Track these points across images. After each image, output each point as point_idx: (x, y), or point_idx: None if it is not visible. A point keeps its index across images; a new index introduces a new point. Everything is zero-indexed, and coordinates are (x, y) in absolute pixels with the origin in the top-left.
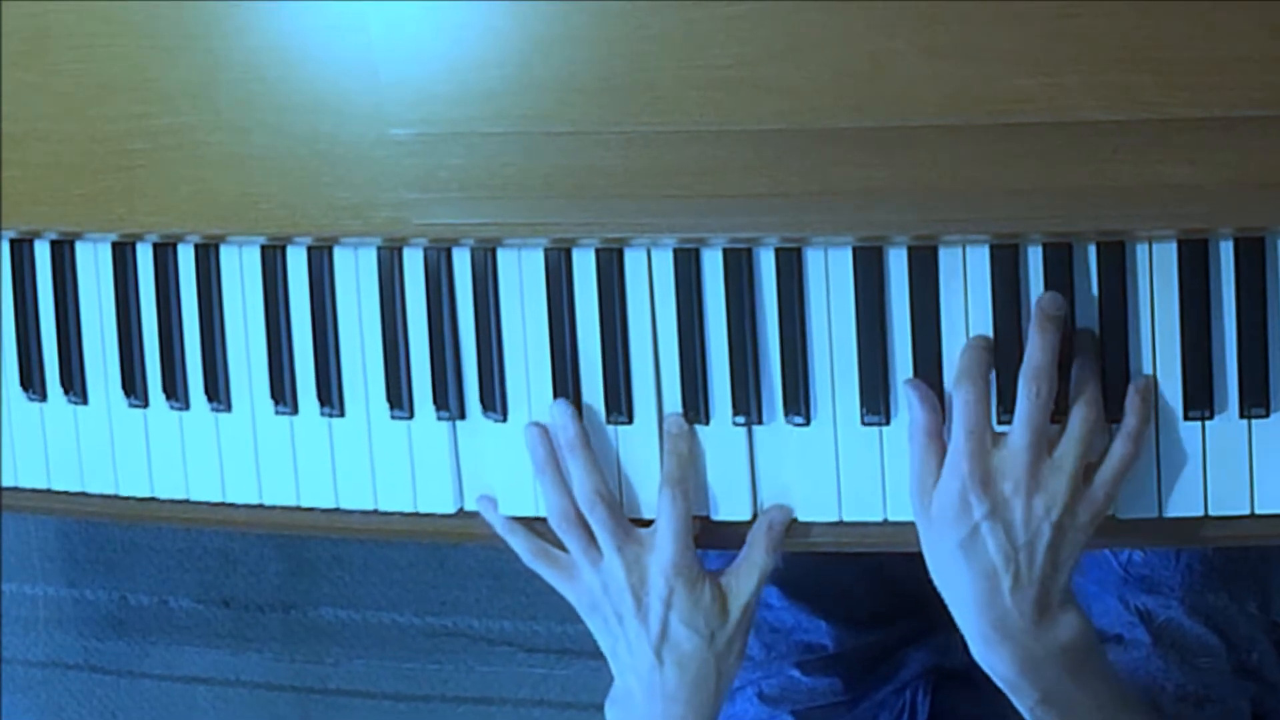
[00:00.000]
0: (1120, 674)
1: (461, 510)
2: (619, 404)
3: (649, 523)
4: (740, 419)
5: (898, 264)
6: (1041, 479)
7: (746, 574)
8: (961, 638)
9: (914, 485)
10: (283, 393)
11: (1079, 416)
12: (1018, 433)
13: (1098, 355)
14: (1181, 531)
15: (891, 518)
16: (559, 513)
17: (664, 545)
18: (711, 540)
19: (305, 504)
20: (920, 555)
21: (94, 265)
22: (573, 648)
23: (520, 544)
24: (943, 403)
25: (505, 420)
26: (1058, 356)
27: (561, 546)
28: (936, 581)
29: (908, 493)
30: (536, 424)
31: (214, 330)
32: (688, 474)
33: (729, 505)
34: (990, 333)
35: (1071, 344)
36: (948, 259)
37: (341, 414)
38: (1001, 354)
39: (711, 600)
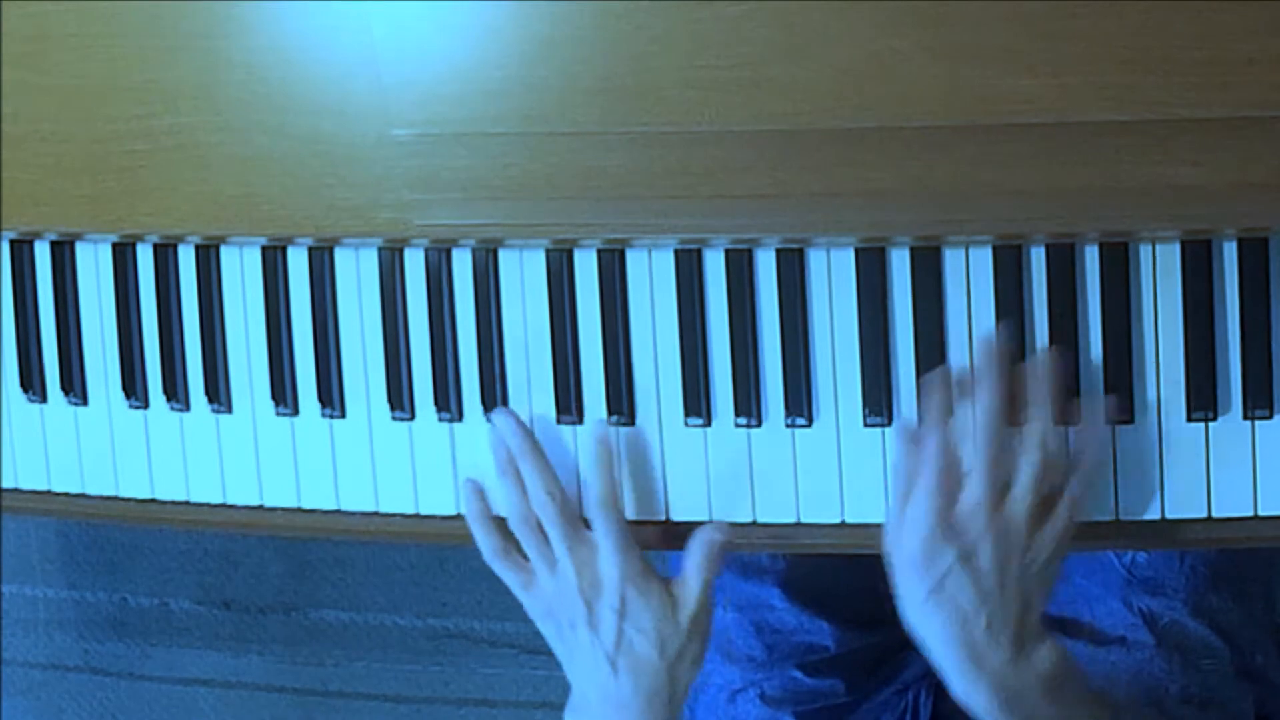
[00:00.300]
0: (1123, 676)
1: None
2: (621, 405)
3: (659, 524)
4: (742, 420)
5: (900, 265)
6: (1002, 524)
7: (691, 584)
8: None
9: (889, 524)
10: (283, 394)
11: (1028, 459)
12: (975, 483)
13: (1051, 387)
14: (1185, 533)
15: None
16: (518, 516)
17: (610, 551)
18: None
19: (306, 505)
20: None
21: (94, 266)
22: None
23: (484, 539)
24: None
25: None
26: (1007, 398)
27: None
28: (911, 625)
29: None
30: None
31: (215, 331)
32: (613, 481)
33: (730, 507)
34: (993, 331)
35: (1024, 378)
36: (951, 260)
37: (342, 415)
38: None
39: (662, 607)
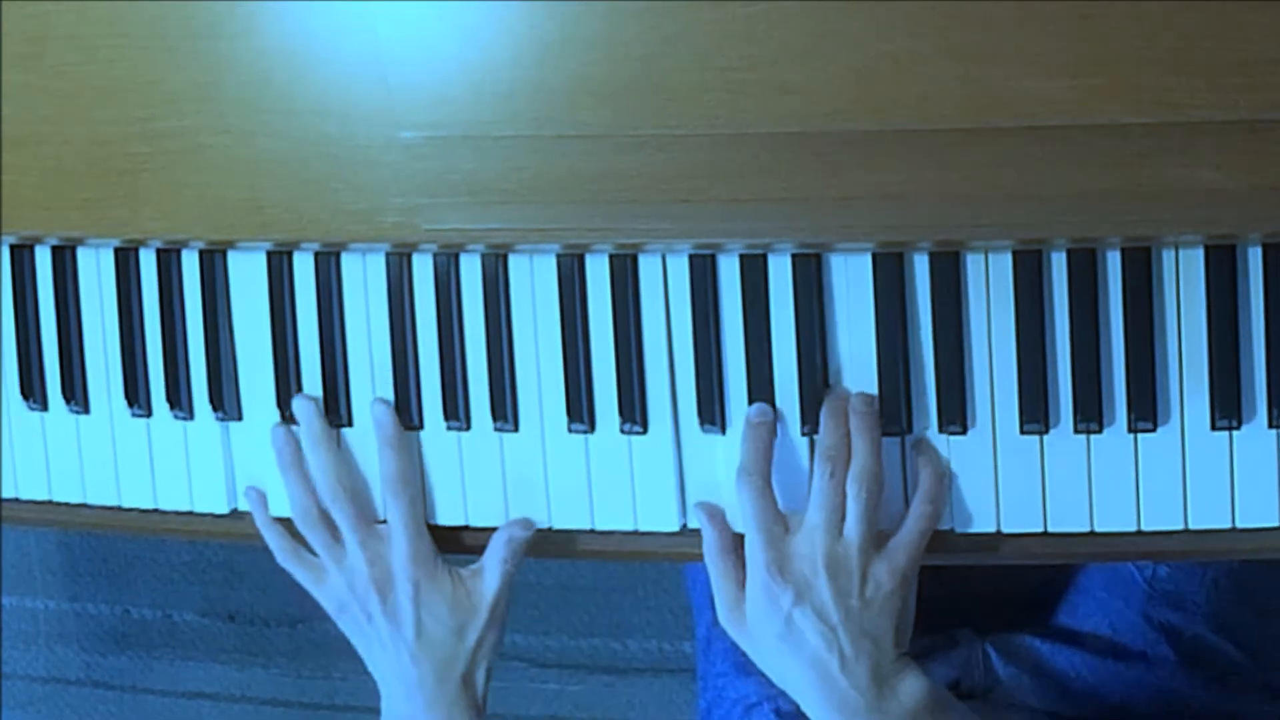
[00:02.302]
0: (1144, 693)
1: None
2: (633, 413)
3: (678, 534)
4: None
5: (919, 270)
6: (837, 557)
7: (490, 575)
8: (984, 655)
9: (721, 605)
10: (290, 403)
11: (854, 491)
12: (811, 514)
13: (873, 425)
14: (1207, 544)
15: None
16: (301, 510)
17: (399, 540)
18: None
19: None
20: (938, 570)
21: (96, 272)
22: (586, 663)
23: (275, 542)
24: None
25: (516, 431)
26: (847, 435)
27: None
28: (775, 680)
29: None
30: (281, 424)
31: (219, 338)
32: (408, 469)
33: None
34: (1013, 339)
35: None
36: (970, 265)
37: (349, 424)
38: (1025, 364)
39: (455, 593)
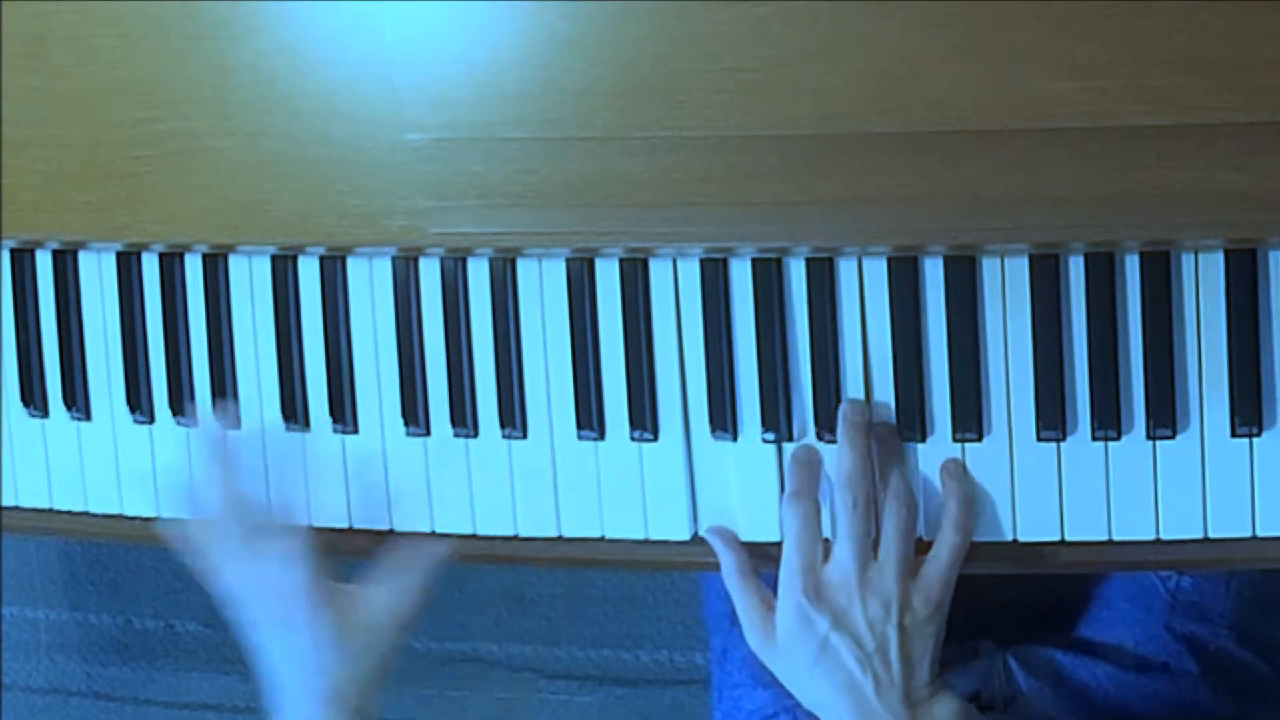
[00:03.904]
0: (1166, 706)
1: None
2: (644, 420)
3: (690, 543)
4: (769, 435)
5: (934, 274)
6: (872, 584)
7: (383, 588)
8: (1005, 666)
9: (748, 626)
10: (294, 409)
11: (891, 519)
12: (841, 545)
13: (896, 448)
14: (1228, 554)
15: (927, 536)
16: (214, 514)
17: (294, 562)
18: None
19: (317, 524)
20: (963, 580)
21: (98, 276)
22: (595, 674)
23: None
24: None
25: (525, 437)
26: (870, 459)
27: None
28: (804, 703)
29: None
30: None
31: (222, 344)
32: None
33: (756, 525)
34: (1030, 345)
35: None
36: (987, 269)
37: (355, 431)
38: (1042, 370)
39: (348, 609)
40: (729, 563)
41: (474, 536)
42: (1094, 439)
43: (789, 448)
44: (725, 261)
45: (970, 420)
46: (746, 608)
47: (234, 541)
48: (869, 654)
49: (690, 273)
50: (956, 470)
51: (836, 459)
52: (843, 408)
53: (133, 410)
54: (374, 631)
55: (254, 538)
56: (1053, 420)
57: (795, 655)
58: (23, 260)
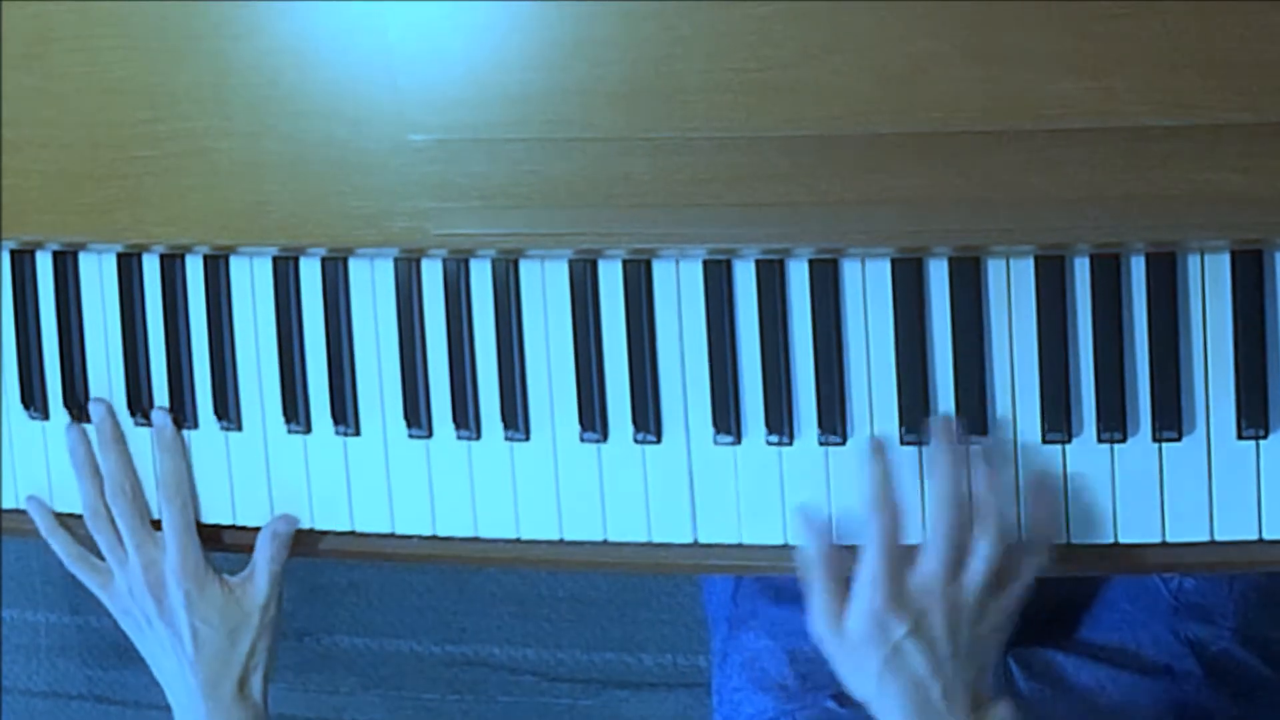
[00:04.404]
0: (1169, 708)
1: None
2: (647, 422)
3: (692, 545)
4: (773, 438)
5: (938, 276)
6: (957, 596)
7: (259, 579)
8: (1005, 669)
9: (819, 617)
10: (295, 411)
11: (983, 545)
12: (930, 558)
13: (995, 479)
14: (1234, 556)
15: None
16: (91, 510)
17: (170, 548)
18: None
19: (319, 527)
20: None
21: (98, 277)
22: (599, 677)
23: (60, 547)
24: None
25: (528, 440)
26: (962, 479)
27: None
28: (856, 694)
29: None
30: (74, 424)
31: (224, 346)
32: (183, 477)
33: (758, 528)
34: (1035, 346)
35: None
36: (992, 271)
37: (357, 433)
38: (1047, 372)
39: (225, 601)
40: (813, 550)
41: (476, 539)
42: (1099, 441)
43: (790, 451)
44: (729, 263)
45: (976, 422)
46: (822, 599)
47: (125, 537)
48: (941, 660)
49: (693, 274)
50: (1048, 494)
51: (937, 477)
52: (937, 423)
53: (133, 413)
54: (246, 619)
55: (140, 531)
56: (1058, 422)
57: (865, 655)
58: (23, 262)
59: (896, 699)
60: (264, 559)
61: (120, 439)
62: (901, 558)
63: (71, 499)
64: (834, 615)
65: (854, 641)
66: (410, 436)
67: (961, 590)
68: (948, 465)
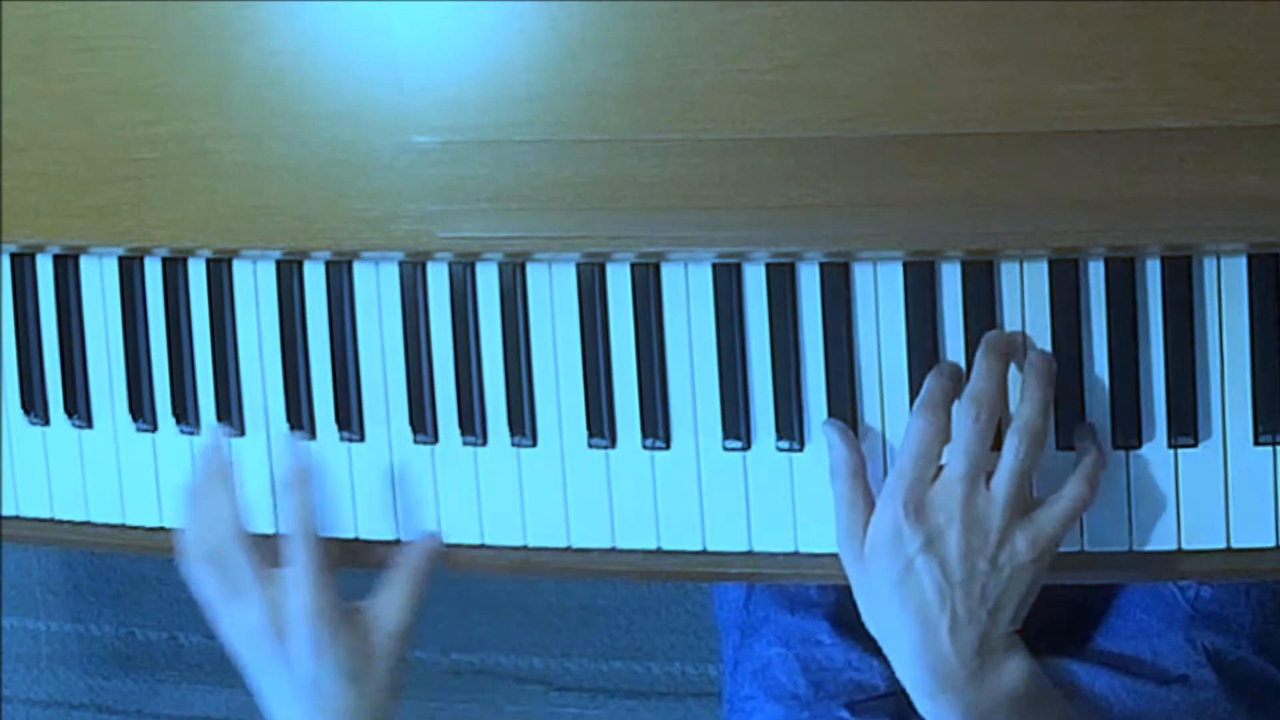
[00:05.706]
0: (1185, 718)
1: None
2: (655, 428)
3: (701, 553)
4: (784, 444)
5: (951, 279)
6: (976, 512)
7: (397, 606)
8: None
9: (842, 529)
10: (299, 417)
11: (1012, 444)
12: (954, 462)
13: (1049, 382)
14: (1251, 564)
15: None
16: (238, 530)
17: (299, 590)
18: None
19: (324, 534)
20: None
21: (99, 281)
22: (607, 686)
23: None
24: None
25: (535, 446)
26: (1004, 386)
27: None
28: (872, 630)
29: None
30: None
31: (227, 350)
32: (311, 513)
33: (769, 536)
34: (1050, 349)
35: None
36: (1005, 274)
37: (361, 439)
38: (1062, 376)
39: (357, 641)
40: (840, 458)
41: (483, 546)
42: (1115, 447)
43: (800, 457)
44: (738, 266)
45: None
46: (845, 512)
47: (246, 573)
48: (953, 584)
49: (703, 278)
50: (1092, 431)
51: (974, 373)
52: (987, 335)
53: (135, 418)
54: (384, 648)
55: (261, 566)
56: (1072, 428)
57: (879, 573)
58: (23, 265)
59: (903, 628)
60: (408, 584)
61: (229, 469)
62: (930, 469)
63: (72, 506)
64: (855, 531)
65: (870, 559)
66: (415, 443)
67: (982, 504)
68: (987, 369)
